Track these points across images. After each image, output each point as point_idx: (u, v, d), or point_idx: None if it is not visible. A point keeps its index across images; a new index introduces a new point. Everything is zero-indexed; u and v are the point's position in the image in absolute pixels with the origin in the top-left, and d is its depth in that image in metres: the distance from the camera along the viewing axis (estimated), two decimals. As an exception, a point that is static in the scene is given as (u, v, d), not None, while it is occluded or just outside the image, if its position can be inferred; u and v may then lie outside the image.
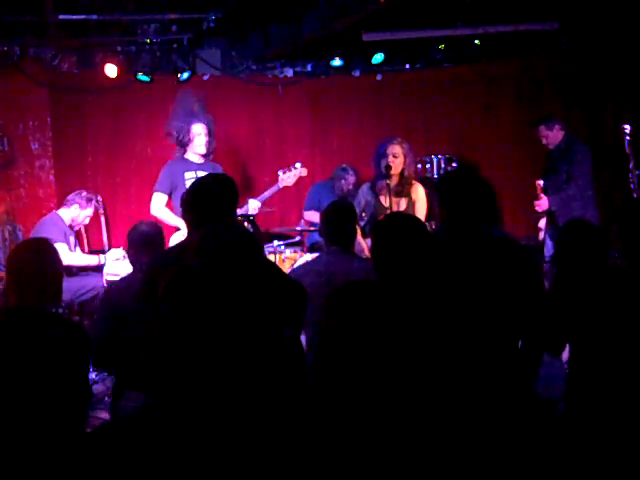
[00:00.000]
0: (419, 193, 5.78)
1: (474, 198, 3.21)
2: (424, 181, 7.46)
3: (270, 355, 2.65)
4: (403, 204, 5.72)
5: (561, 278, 3.70)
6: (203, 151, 6.27)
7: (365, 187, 5.91)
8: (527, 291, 3.13)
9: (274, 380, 2.46)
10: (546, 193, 6.47)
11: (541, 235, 6.69)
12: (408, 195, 5.74)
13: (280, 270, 3.47)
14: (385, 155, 5.66)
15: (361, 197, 5.86)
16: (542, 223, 6.61)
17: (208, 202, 3.34)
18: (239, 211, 5.92)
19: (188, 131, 6.24)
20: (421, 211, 5.75)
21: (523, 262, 3.17)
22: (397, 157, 5.68)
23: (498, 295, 3.03)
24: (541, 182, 6.48)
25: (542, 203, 6.44)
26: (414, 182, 5.80)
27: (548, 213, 6.46)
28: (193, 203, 3.37)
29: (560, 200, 6.37)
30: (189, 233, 3.47)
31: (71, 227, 6.23)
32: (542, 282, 3.27)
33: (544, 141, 6.67)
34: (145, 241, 4.30)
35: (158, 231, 4.47)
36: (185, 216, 3.53)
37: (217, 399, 1.72)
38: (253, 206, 6.18)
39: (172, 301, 1.77)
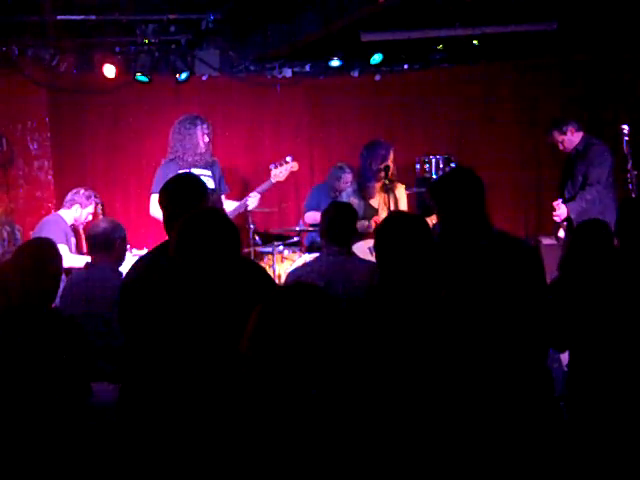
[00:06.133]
0: (402, 192, 6.32)
1: (472, 198, 3.19)
2: (423, 181, 7.49)
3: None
4: (392, 202, 6.09)
5: (566, 279, 3.71)
6: (204, 149, 6.17)
7: (350, 190, 6.24)
8: (532, 290, 3.11)
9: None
10: (565, 200, 6.18)
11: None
12: (393, 192, 6.19)
13: (258, 275, 3.13)
14: (385, 159, 6.15)
15: (345, 200, 6.07)
16: (561, 233, 6.27)
17: (173, 200, 3.30)
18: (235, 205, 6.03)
19: (194, 132, 6.15)
20: (403, 209, 6.24)
21: (529, 261, 3.15)
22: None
23: (505, 294, 3.02)
24: (559, 201, 6.16)
25: (560, 213, 6.10)
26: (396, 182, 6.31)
27: (568, 221, 6.13)
28: (161, 202, 3.35)
29: (578, 206, 6.06)
30: (166, 230, 3.35)
31: (74, 227, 6.20)
32: (545, 282, 3.26)
33: (560, 147, 6.32)
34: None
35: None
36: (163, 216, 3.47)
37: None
38: (253, 199, 6.16)
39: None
